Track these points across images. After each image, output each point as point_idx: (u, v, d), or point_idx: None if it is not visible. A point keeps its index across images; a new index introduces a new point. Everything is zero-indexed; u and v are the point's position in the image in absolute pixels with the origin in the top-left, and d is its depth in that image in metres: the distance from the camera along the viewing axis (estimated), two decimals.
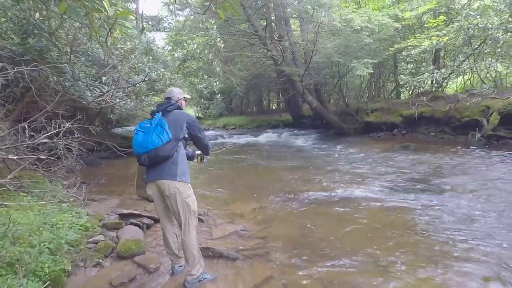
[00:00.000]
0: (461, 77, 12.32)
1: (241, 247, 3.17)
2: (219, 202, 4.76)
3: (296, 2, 13.05)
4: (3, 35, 4.66)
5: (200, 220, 3.86)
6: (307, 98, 13.20)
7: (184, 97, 2.82)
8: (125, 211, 3.89)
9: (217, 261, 2.96)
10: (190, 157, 2.91)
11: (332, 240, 3.33)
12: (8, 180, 3.53)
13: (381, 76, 14.70)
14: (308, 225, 3.75)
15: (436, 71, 7.73)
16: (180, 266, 2.73)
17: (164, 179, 2.40)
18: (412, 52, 7.97)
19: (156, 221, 3.80)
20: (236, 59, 16.56)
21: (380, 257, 2.96)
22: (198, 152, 2.92)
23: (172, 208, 2.46)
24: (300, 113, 17.37)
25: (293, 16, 13.39)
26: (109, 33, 2.62)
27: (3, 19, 4.88)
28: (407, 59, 9.11)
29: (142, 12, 12.53)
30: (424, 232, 3.47)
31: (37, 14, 4.52)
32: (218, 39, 6.87)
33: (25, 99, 5.98)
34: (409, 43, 8.64)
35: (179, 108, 2.67)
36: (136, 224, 3.67)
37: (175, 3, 14.63)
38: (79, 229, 3.18)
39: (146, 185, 2.53)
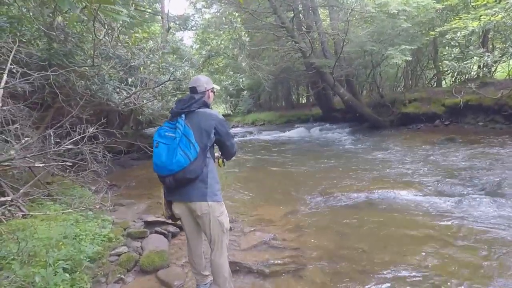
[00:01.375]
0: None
1: (272, 261, 2.85)
2: (247, 205, 4.48)
3: None
4: (31, 42, 4.68)
5: None
6: (339, 90, 12.54)
7: (213, 88, 2.36)
8: (150, 219, 3.72)
9: (244, 277, 2.67)
10: None
11: (375, 252, 2.91)
12: (30, 189, 3.50)
13: (418, 63, 13.59)
14: (346, 233, 3.35)
15: (487, 54, 6.83)
16: (206, 284, 2.46)
17: (194, 201, 2.08)
18: (458, 34, 7.11)
19: (182, 228, 3.59)
20: (263, 54, 16.19)
21: (432, 275, 2.51)
22: (218, 154, 2.47)
23: (203, 227, 2.16)
24: (331, 107, 16.66)
25: (322, 5, 12.72)
26: (94, 21, 2.35)
27: (29, 26, 4.92)
28: (452, 43, 8.19)
29: (168, 11, 12.52)
30: (482, 245, 2.93)
31: (60, 18, 4.49)
32: (243, 33, 6.56)
33: (56, 105, 6.07)
34: (454, 25, 7.75)
35: (206, 104, 2.20)
36: (161, 233, 3.48)
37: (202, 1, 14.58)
38: (102, 240, 3.03)
39: (172, 203, 2.21)
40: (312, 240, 3.21)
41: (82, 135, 4.14)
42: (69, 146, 4.07)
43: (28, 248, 2.25)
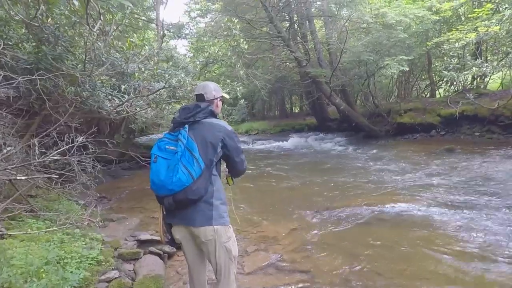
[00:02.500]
0: (506, 71, 11.14)
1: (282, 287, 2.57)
2: (248, 222, 4.18)
3: (320, 1, 12.42)
4: (18, 45, 4.38)
5: None
6: (334, 100, 12.46)
7: (222, 96, 2.10)
8: (144, 237, 3.41)
9: None
10: None
11: (392, 276, 2.67)
12: (10, 204, 3.16)
13: (411, 74, 13.68)
14: (357, 253, 3.10)
15: (485, 64, 6.82)
16: None
17: (197, 226, 1.79)
18: (456, 45, 7.10)
19: (179, 247, 3.28)
20: (258, 63, 16.09)
21: None
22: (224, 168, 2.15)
23: (208, 255, 1.87)
24: (325, 116, 16.59)
25: (318, 15, 12.75)
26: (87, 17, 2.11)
27: (16, 29, 4.63)
28: (451, 53, 8.20)
29: (163, 19, 12.33)
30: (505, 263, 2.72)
31: (50, 20, 4.21)
32: (242, 40, 6.40)
33: (43, 112, 5.72)
34: (451, 36, 7.76)
35: (213, 114, 1.94)
36: (156, 253, 3.18)
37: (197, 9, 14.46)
38: (89, 264, 2.71)
39: (172, 227, 1.91)
40: (322, 262, 2.95)
41: (70, 145, 3.83)
42: (55, 157, 3.75)
43: (2, 278, 1.93)
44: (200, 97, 2.01)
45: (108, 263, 2.86)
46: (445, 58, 9.76)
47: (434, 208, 4.17)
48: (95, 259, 2.81)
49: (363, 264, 2.87)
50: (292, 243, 3.39)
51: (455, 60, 7.70)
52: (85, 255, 2.81)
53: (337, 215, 4.16)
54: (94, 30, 4.32)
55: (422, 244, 3.21)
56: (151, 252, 3.17)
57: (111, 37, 4.52)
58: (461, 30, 7.50)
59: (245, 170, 2.02)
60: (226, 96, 2.18)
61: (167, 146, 1.79)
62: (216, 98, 2.04)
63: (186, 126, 1.83)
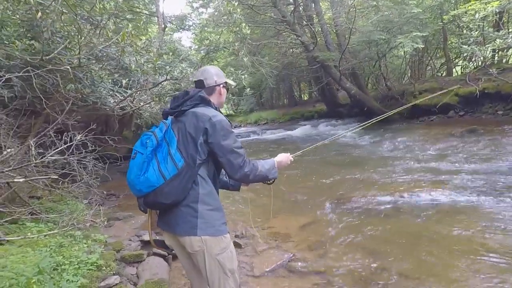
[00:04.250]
0: None
1: None
2: (258, 217, 3.95)
3: None
4: (6, 42, 4.20)
5: (237, 245, 3.10)
6: (344, 84, 12.00)
7: (225, 83, 1.77)
8: (147, 238, 3.22)
9: None
10: (233, 186, 1.94)
11: (419, 278, 2.37)
12: (8, 208, 3.02)
13: (425, 52, 12.99)
14: (377, 251, 2.82)
15: (511, 35, 6.27)
16: None
17: (180, 235, 1.53)
18: (476, 16, 6.55)
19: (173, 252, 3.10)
20: (264, 51, 15.66)
21: None
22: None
23: (200, 268, 1.58)
24: (336, 102, 16.11)
25: None
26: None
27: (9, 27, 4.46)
28: (470, 26, 7.61)
29: (163, 11, 12.06)
30: None
31: (39, 14, 3.99)
32: (243, 25, 6.07)
33: (45, 112, 5.60)
34: (469, 7, 7.18)
35: (205, 101, 1.60)
36: (160, 255, 2.99)
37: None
38: (88, 270, 2.54)
39: (162, 232, 1.69)
40: (339, 261, 2.69)
41: (69, 144, 3.66)
42: (54, 157, 3.59)
43: None
44: (200, 84, 1.70)
45: (109, 268, 2.69)
46: (464, 31, 9.12)
47: (461, 196, 3.81)
48: (95, 264, 2.65)
49: (385, 264, 2.59)
50: (305, 240, 3.14)
51: (476, 33, 7.12)
52: (84, 260, 2.65)
53: (352, 207, 3.89)
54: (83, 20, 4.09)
55: (450, 237, 2.92)
56: (155, 254, 3.00)
57: (103, 28, 4.26)
58: (481, 0, 6.93)
59: (242, 176, 1.56)
60: (231, 82, 1.84)
61: (147, 140, 1.54)
62: (219, 85, 1.72)
63: (169, 117, 1.61)
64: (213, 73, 1.71)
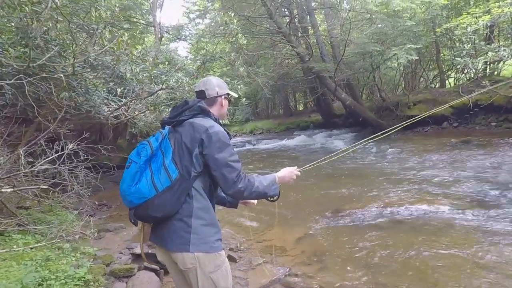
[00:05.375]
0: None
1: None
2: (252, 229, 3.86)
3: None
4: (3, 51, 4.15)
5: (231, 259, 3.01)
6: (340, 95, 12.10)
7: (228, 94, 1.71)
8: (138, 251, 3.12)
9: None
10: (230, 203, 1.83)
11: None
12: None
13: (419, 64, 13.20)
14: (377, 265, 2.75)
15: (502, 48, 6.39)
16: None
17: (173, 251, 1.46)
18: (468, 29, 6.68)
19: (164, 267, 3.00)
20: (259, 62, 15.79)
21: None
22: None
23: (191, 285, 1.50)
24: (331, 112, 16.21)
25: (318, 8, 12.39)
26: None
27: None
28: (463, 38, 7.76)
29: (159, 21, 12.13)
30: None
31: (36, 23, 3.96)
32: (240, 35, 6.11)
33: (37, 120, 5.51)
34: (461, 21, 7.33)
35: (204, 112, 1.55)
36: (151, 269, 2.89)
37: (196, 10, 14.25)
38: (75, 285, 2.43)
39: (155, 246, 1.62)
40: (337, 277, 2.60)
41: (59, 153, 3.58)
42: (44, 166, 3.50)
43: None
44: (201, 94, 1.64)
45: (97, 283, 2.59)
46: (457, 44, 9.29)
47: (458, 208, 3.78)
48: (83, 279, 2.54)
49: (384, 281, 2.50)
50: (302, 253, 3.06)
51: (469, 46, 7.26)
52: (71, 274, 2.54)
53: (349, 220, 3.83)
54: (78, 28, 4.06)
55: (449, 252, 2.86)
56: (146, 268, 2.89)
57: (100, 37, 4.24)
58: (472, 14, 7.08)
59: (236, 192, 1.47)
60: (234, 94, 1.77)
61: (143, 148, 1.50)
62: (220, 96, 1.66)
63: (167, 127, 1.56)
64: (215, 84, 1.66)
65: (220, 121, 1.67)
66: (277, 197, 1.63)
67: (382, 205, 4.11)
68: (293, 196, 5.37)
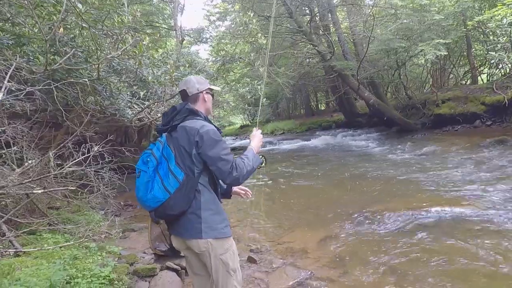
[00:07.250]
0: None
1: None
2: (273, 230, 3.82)
3: None
4: (32, 57, 4.37)
5: (252, 260, 2.98)
6: (363, 94, 11.77)
7: (208, 89, 1.81)
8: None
9: None
10: (223, 195, 1.97)
11: None
12: (26, 219, 3.05)
13: (448, 60, 12.57)
14: (404, 271, 2.61)
15: None
16: None
17: (188, 238, 1.68)
18: (504, 21, 6.26)
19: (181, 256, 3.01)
20: (280, 61, 15.70)
21: None
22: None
23: (206, 266, 1.74)
24: (354, 111, 15.83)
25: (340, 4, 12.14)
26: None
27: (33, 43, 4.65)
28: (498, 31, 7.30)
29: (180, 25, 12.38)
30: None
31: (61, 29, 4.14)
32: (259, 35, 6.10)
33: (66, 123, 5.76)
34: (495, 12, 6.88)
35: (192, 113, 1.68)
36: (173, 269, 2.92)
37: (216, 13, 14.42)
38: (101, 284, 2.49)
39: (170, 235, 1.84)
40: (362, 282, 2.51)
41: (86, 155, 3.71)
42: (71, 168, 3.64)
43: None
44: (183, 94, 1.78)
45: (121, 282, 2.64)
46: (491, 37, 8.75)
47: (492, 212, 3.53)
48: (107, 278, 2.60)
49: (412, 287, 2.38)
50: (324, 256, 2.98)
51: (504, 39, 6.80)
52: (97, 273, 2.61)
53: (374, 222, 3.68)
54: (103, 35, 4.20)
55: (480, 257, 2.67)
56: (168, 268, 2.93)
57: (122, 41, 4.36)
58: (508, 5, 6.63)
59: (233, 181, 1.63)
60: (216, 88, 1.93)
61: (148, 158, 1.66)
62: (201, 92, 1.77)
63: (164, 134, 1.71)
64: (195, 82, 1.78)
65: (208, 116, 1.82)
66: (264, 163, 1.89)
67: (407, 208, 3.91)
68: (316, 197, 5.26)
